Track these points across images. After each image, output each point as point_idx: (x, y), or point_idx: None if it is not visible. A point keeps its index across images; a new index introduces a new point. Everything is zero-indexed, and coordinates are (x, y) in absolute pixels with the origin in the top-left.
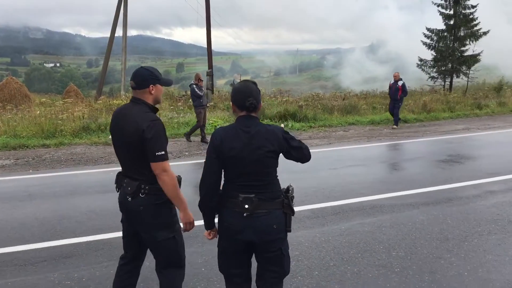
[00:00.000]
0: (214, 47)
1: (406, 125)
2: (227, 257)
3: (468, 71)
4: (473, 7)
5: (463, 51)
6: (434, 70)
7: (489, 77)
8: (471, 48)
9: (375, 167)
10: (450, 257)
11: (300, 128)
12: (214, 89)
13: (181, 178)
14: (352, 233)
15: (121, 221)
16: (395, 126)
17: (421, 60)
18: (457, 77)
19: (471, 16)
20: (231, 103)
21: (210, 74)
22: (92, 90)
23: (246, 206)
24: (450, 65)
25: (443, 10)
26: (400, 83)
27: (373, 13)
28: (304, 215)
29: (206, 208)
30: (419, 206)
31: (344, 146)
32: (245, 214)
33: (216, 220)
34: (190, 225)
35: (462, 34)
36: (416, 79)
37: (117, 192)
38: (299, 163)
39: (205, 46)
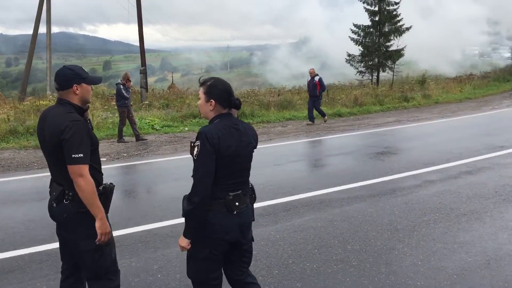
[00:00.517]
0: None
1: (341, 119)
2: (211, 261)
3: (393, 66)
4: (396, 3)
5: (388, 46)
6: (362, 65)
7: (411, 71)
8: (395, 44)
9: (318, 161)
10: (403, 248)
11: None
12: (148, 87)
13: (113, 186)
14: (306, 228)
15: (56, 228)
16: (326, 118)
17: (349, 55)
18: (383, 71)
19: (394, 13)
20: (208, 101)
21: (144, 72)
22: (13, 91)
23: (237, 204)
24: (376, 60)
25: (368, 7)
26: (316, 78)
27: (299, 10)
28: (256, 213)
29: (201, 212)
30: (366, 198)
31: (285, 141)
32: (235, 212)
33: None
34: (106, 236)
35: (386, 29)
36: (341, 74)
37: None
38: None
39: (132, 43)
